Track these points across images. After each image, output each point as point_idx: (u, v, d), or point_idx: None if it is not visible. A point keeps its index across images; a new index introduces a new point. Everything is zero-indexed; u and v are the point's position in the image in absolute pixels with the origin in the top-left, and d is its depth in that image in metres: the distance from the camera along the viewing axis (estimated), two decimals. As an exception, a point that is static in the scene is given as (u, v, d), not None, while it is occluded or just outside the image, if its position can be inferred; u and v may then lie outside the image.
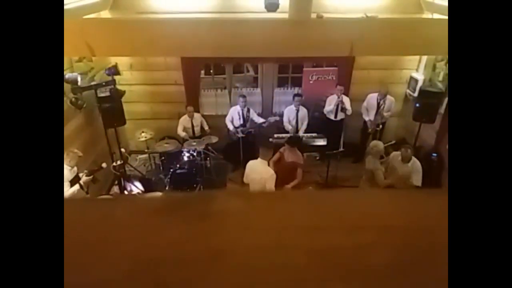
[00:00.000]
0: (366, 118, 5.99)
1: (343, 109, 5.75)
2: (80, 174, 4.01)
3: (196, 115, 5.99)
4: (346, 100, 5.82)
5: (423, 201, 0.44)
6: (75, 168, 3.98)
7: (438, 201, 0.43)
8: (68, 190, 3.79)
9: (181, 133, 5.92)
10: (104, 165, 4.33)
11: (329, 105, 5.93)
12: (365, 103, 6.01)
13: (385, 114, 5.74)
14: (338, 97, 5.72)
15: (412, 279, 0.34)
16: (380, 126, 5.87)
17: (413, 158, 4.36)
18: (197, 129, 5.99)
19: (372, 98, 5.92)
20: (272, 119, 5.88)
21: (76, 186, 3.87)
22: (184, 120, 5.92)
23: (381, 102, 5.80)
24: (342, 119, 5.94)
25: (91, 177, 4.04)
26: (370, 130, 5.97)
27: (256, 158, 4.30)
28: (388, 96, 5.77)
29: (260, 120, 5.95)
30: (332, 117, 5.96)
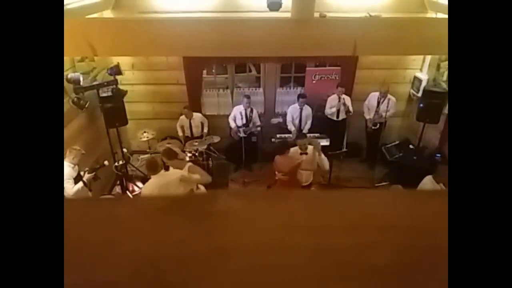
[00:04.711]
0: (367, 117, 6.02)
1: (347, 112, 5.77)
2: (82, 172, 4.03)
3: (197, 116, 5.98)
4: (348, 100, 5.82)
5: (424, 201, 0.44)
6: (77, 167, 4.00)
7: (439, 201, 0.43)
8: (73, 188, 3.80)
9: (178, 129, 5.95)
10: (106, 162, 4.35)
11: (330, 107, 5.95)
12: (366, 102, 6.03)
13: (383, 114, 5.72)
14: (339, 100, 5.75)
15: (413, 279, 0.34)
16: (378, 125, 5.86)
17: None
18: (196, 130, 5.98)
19: (374, 97, 5.94)
20: (275, 120, 5.88)
21: (80, 184, 3.89)
22: (183, 120, 5.93)
23: (381, 101, 5.80)
24: (344, 119, 5.94)
25: (93, 174, 4.06)
26: (368, 128, 6.00)
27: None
28: (390, 96, 5.76)
29: (258, 122, 5.95)
30: (334, 117, 5.97)
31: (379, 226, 0.39)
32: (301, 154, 4.48)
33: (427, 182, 4.24)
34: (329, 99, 5.98)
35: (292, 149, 4.47)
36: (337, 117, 5.95)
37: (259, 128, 5.93)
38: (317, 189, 5.35)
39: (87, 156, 4.40)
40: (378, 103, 5.84)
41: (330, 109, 5.93)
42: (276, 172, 4.38)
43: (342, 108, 5.81)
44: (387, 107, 5.67)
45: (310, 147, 4.53)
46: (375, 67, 6.14)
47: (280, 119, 5.91)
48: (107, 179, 5.43)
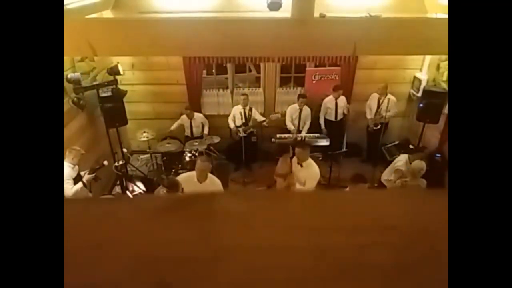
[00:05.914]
0: (368, 117, 6.05)
1: (344, 113, 5.84)
2: (82, 173, 4.03)
3: (198, 116, 5.99)
4: (343, 102, 5.91)
5: (425, 201, 0.44)
6: (77, 167, 4.00)
7: (439, 201, 0.43)
8: (72, 188, 3.80)
9: (174, 127, 5.98)
10: (105, 162, 4.33)
11: (325, 109, 6.06)
12: (368, 102, 6.07)
13: (384, 114, 5.73)
14: (336, 103, 5.88)
15: (413, 280, 0.34)
16: (379, 125, 5.87)
17: (309, 160, 4.16)
18: (196, 130, 5.98)
19: (374, 97, 5.99)
20: (273, 116, 5.85)
21: (80, 184, 3.88)
22: (184, 119, 5.94)
23: (381, 101, 5.83)
24: (342, 119, 5.98)
25: (93, 175, 4.05)
26: (369, 128, 6.03)
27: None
28: (390, 96, 5.77)
29: (261, 118, 5.95)
30: (332, 118, 6.04)
31: (379, 226, 0.39)
32: (298, 163, 4.18)
33: (402, 159, 4.37)
34: (325, 101, 6.05)
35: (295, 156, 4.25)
36: (335, 118, 6.00)
37: (265, 123, 5.90)
38: (317, 189, 5.34)
39: (87, 156, 4.40)
40: (379, 103, 5.87)
41: (328, 116, 6.05)
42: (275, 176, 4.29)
43: (339, 111, 5.91)
44: (387, 107, 5.68)
45: (309, 163, 4.18)
46: (375, 67, 6.14)
47: (279, 115, 5.88)
48: (107, 179, 5.43)
